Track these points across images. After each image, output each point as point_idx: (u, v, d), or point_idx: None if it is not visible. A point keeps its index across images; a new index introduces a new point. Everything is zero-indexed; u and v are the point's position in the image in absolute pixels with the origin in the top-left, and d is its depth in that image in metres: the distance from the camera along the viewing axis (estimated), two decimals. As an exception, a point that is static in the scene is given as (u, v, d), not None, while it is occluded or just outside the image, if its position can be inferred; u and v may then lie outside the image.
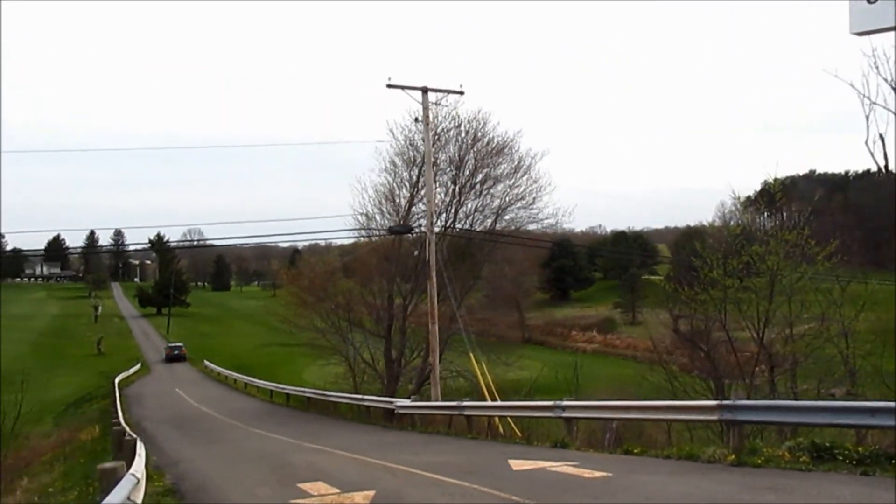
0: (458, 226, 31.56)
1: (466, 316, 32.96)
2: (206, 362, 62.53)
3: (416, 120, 23.02)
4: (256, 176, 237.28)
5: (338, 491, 9.49)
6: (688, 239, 54.45)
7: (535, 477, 9.67)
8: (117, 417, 20.44)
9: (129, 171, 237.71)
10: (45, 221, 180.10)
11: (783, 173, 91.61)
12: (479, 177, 30.74)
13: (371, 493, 9.10)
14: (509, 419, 18.50)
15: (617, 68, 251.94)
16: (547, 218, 30.31)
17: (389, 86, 22.05)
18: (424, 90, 22.56)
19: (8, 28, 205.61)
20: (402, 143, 31.15)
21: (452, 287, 24.25)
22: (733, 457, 9.80)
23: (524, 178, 30.30)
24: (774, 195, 20.65)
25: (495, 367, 31.87)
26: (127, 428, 15.96)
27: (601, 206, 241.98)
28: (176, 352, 70.27)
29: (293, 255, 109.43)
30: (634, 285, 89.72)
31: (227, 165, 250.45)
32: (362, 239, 34.04)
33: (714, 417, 11.09)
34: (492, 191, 30.93)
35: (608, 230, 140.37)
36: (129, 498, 6.00)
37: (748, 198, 33.05)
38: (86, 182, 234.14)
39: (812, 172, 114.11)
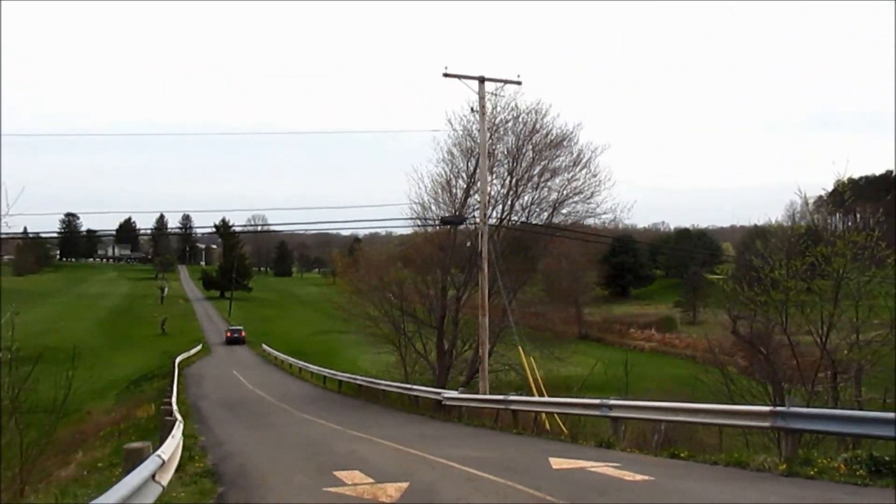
0: (514, 218, 31.15)
1: (516, 309, 32.74)
2: (265, 346, 63.71)
3: (473, 110, 22.76)
4: (320, 165, 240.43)
5: (372, 481, 9.41)
6: (753, 238, 52.79)
7: (574, 477, 9.39)
8: (170, 397, 20.84)
9: (197, 158, 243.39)
10: (116, 205, 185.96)
11: (860, 172, 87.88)
12: (537, 169, 30.26)
13: (405, 485, 8.97)
14: (556, 416, 18.18)
15: (686, 60, 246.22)
16: (605, 213, 29.68)
17: (446, 75, 21.83)
18: (481, 80, 22.27)
19: (90, 27, 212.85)
20: (460, 133, 30.89)
21: (504, 280, 23.92)
22: (784, 466, 9.33)
23: (583, 171, 29.69)
24: (844, 195, 19.61)
25: (548, 363, 31.49)
26: (175, 408, 16.24)
27: (667, 203, 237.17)
28: (236, 335, 71.83)
29: (352, 244, 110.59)
30: (696, 284, 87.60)
31: (291, 153, 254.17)
32: (418, 229, 33.95)
33: (766, 424, 10.58)
34: (549, 183, 30.42)
35: (671, 227, 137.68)
36: (154, 478, 5.98)
37: (819, 197, 31.67)
38: (157, 169, 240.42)
39: (889, 173, 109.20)
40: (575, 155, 29.85)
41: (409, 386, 25.34)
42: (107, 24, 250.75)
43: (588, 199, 29.43)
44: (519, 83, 22.97)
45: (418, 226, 32.55)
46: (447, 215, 28.39)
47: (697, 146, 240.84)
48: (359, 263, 37.53)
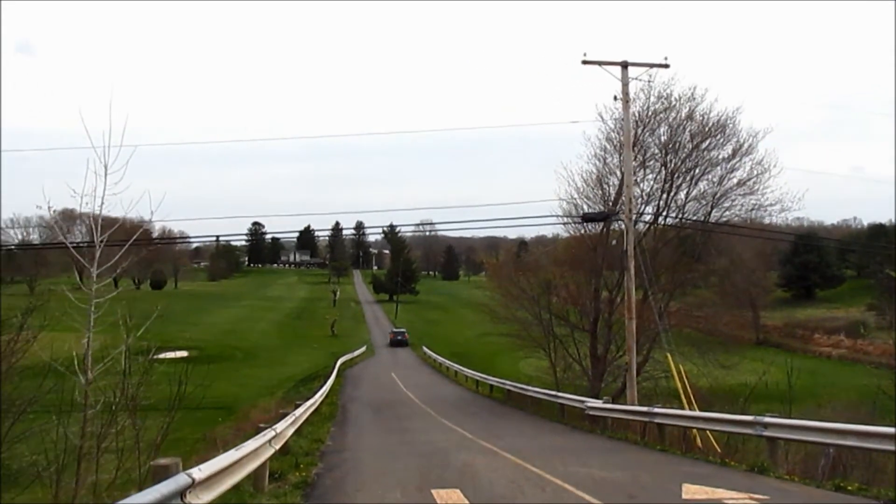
0: (672, 215, 28.98)
1: (680, 312, 30.47)
2: (425, 348, 64.49)
3: (616, 98, 21.15)
4: (483, 169, 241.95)
5: (467, 503, 8.48)
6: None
7: (700, 512, 7.94)
8: (307, 399, 20.95)
9: (368, 166, 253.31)
10: (296, 211, 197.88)
11: None
12: (694, 160, 27.94)
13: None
14: (709, 432, 16.26)
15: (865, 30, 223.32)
16: (771, 204, 26.76)
17: (585, 62, 20.45)
18: (624, 65, 20.65)
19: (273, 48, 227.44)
20: (611, 126, 29.18)
21: (651, 280, 22.09)
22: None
23: (746, 160, 27.05)
24: None
25: (714, 370, 29.08)
26: (302, 411, 16.03)
27: (861, 195, 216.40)
28: (399, 337, 73.43)
29: (519, 247, 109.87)
30: (892, 285, 78.47)
31: (457, 158, 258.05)
32: (568, 230, 32.52)
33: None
34: (708, 175, 28.01)
35: (864, 223, 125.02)
36: (183, 499, 5.41)
37: None
38: (331, 177, 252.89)
39: None
40: (736, 142, 27.28)
41: (554, 393, 24.11)
42: (285, 41, 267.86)
43: (752, 191, 26.74)
44: (666, 66, 21.12)
45: (563, 223, 31.12)
46: (600, 213, 26.77)
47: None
48: (508, 265, 36.60)
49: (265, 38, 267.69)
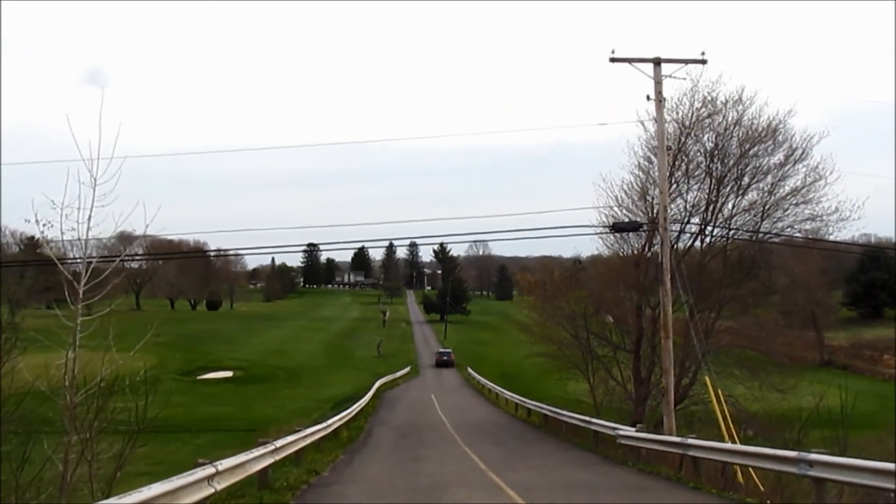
0: (719, 226, 26.91)
1: (730, 332, 28.32)
2: (470, 369, 62.87)
3: (648, 98, 19.43)
4: (534, 184, 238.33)
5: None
6: None
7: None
8: (325, 420, 19.69)
9: (421, 189, 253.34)
10: (351, 234, 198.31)
11: None
12: (742, 167, 25.90)
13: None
14: (751, 469, 14.29)
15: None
16: (827, 214, 24.44)
17: (613, 59, 18.88)
18: (657, 61, 18.96)
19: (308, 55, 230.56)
20: (653, 133, 27.28)
21: (687, 295, 20.21)
22: None
23: (799, 166, 24.89)
24: None
25: (767, 394, 26.84)
26: (295, 437, 14.71)
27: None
28: (445, 357, 72.09)
29: (574, 265, 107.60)
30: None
31: (506, 175, 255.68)
32: (607, 244, 30.60)
33: None
34: (758, 184, 25.91)
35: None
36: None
37: None
38: (386, 199, 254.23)
39: None
40: (789, 148, 25.14)
41: (587, 419, 22.29)
42: (338, 62, 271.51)
43: (805, 200, 24.55)
44: (703, 62, 19.37)
45: (594, 234, 29.23)
46: (621, 221, 25.01)
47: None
48: (545, 282, 34.87)
49: (321, 60, 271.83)
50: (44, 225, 13.89)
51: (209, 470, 8.37)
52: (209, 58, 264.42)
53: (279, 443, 12.61)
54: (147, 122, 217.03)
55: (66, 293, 12.85)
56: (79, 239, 13.67)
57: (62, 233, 13.76)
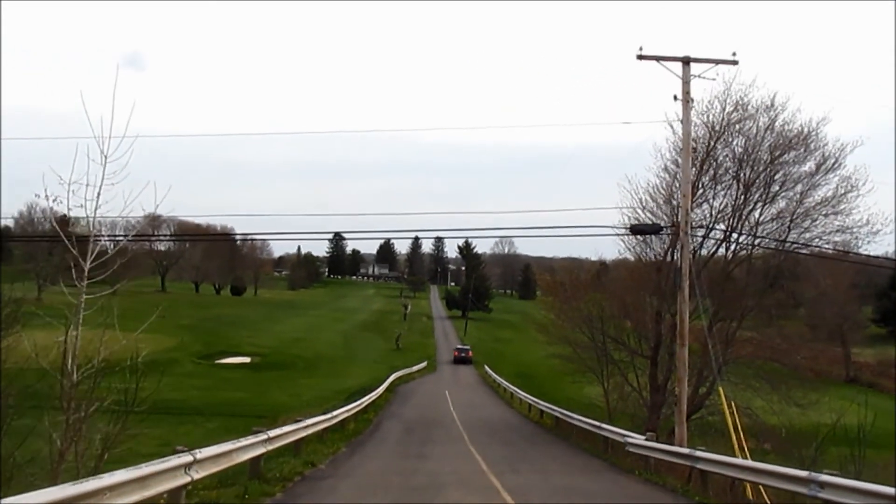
0: (743, 235, 26.22)
1: (730, 338, 27.65)
2: (486, 367, 62.45)
3: (676, 98, 18.87)
4: (558, 184, 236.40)
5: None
6: None
7: None
8: (323, 413, 19.46)
9: (446, 185, 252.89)
10: (377, 225, 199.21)
11: None
12: (771, 174, 25.18)
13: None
14: (761, 486, 13.75)
15: None
16: (858, 226, 23.65)
17: (640, 57, 18.38)
18: (685, 60, 18.41)
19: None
20: (681, 136, 26.63)
21: (706, 302, 19.65)
22: None
23: (831, 175, 24.12)
24: None
25: (787, 407, 26.14)
26: (292, 428, 14.45)
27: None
28: (463, 354, 71.80)
29: (599, 267, 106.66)
30: None
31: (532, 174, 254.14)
32: (628, 247, 29.99)
33: None
34: (787, 193, 25.18)
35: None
36: None
37: None
38: (413, 194, 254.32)
39: None
40: (821, 156, 24.37)
41: (597, 424, 21.80)
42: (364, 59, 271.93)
43: (835, 210, 23.78)
44: (734, 63, 18.76)
45: (612, 234, 28.64)
46: (640, 224, 24.44)
47: None
48: (564, 283, 34.33)
49: (356, 49, 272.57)
50: (53, 200, 13.81)
51: (186, 458, 8.10)
52: (244, 45, 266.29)
53: (273, 433, 12.34)
54: (181, 107, 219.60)
55: (73, 271, 12.70)
56: (86, 216, 13.63)
57: (69, 209, 13.71)
